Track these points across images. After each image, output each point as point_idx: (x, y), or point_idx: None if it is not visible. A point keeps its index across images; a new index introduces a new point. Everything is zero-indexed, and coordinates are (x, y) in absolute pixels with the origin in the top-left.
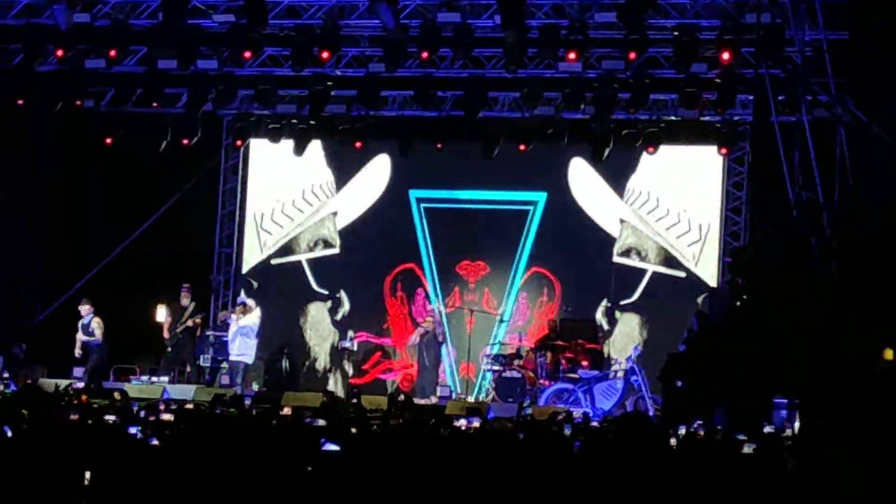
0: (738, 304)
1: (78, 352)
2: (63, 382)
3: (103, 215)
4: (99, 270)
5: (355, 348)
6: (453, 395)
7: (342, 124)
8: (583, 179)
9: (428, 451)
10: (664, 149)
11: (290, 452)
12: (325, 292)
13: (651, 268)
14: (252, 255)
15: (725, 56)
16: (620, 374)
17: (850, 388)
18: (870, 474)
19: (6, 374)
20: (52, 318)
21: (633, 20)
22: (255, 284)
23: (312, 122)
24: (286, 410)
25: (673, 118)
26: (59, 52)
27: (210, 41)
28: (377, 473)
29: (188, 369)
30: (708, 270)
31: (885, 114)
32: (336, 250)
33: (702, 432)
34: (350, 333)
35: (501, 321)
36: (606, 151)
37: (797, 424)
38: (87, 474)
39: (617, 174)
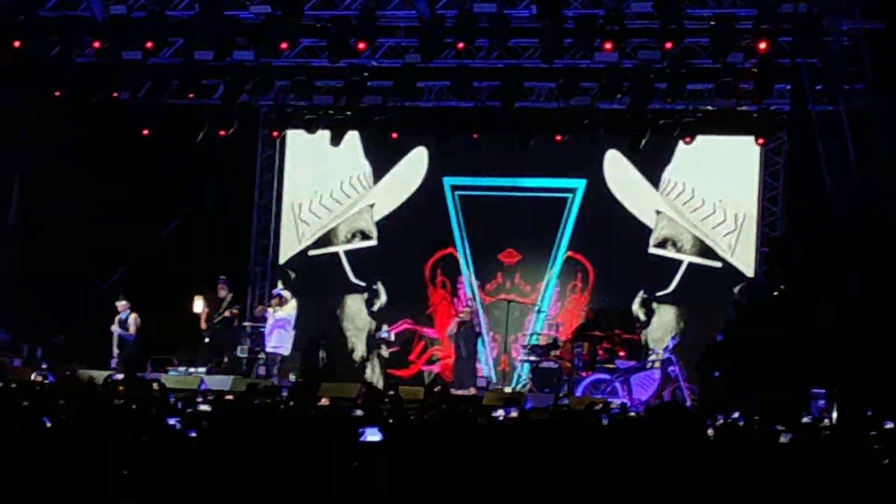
0: (776, 294)
1: (115, 350)
2: (101, 374)
3: (140, 207)
4: (136, 262)
5: (392, 338)
6: (490, 386)
7: (378, 115)
8: (618, 170)
9: (464, 441)
10: (700, 139)
11: (328, 443)
12: (363, 284)
13: (687, 259)
14: (289, 246)
15: (762, 45)
16: (658, 364)
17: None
18: None
19: (44, 365)
20: (90, 309)
21: (669, 10)
22: (293, 275)
23: (349, 113)
24: (324, 401)
25: (709, 108)
26: (96, 44)
27: (246, 32)
28: (414, 463)
29: (225, 360)
30: (744, 261)
31: None
32: (373, 242)
33: (740, 423)
34: (384, 327)
35: (539, 311)
36: (643, 142)
37: (835, 415)
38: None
39: (652, 165)
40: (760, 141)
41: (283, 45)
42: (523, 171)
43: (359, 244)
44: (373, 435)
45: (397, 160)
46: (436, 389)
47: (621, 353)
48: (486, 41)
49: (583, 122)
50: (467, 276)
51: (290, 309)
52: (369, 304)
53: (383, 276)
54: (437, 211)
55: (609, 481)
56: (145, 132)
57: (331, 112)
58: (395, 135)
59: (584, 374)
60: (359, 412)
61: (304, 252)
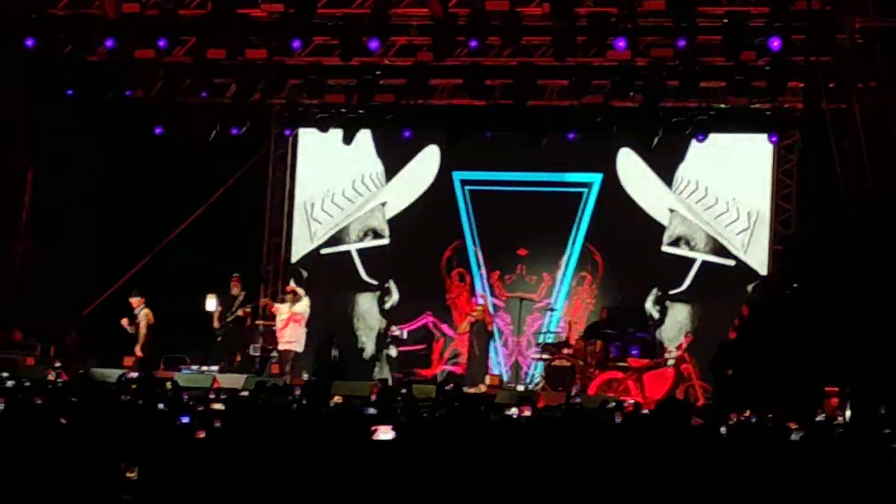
0: (789, 291)
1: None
2: (115, 372)
3: (152, 205)
4: (149, 260)
5: (405, 336)
6: (503, 384)
7: (390, 113)
8: (631, 169)
9: (476, 438)
10: (713, 137)
11: (341, 441)
12: (375, 282)
13: (700, 257)
14: (301, 245)
15: (775, 43)
16: (671, 362)
17: None
18: None
19: (57, 364)
20: (103, 308)
21: (682, 8)
22: (305, 273)
23: (361, 112)
24: (336, 399)
25: (722, 106)
26: (109, 43)
27: (259, 31)
28: (426, 461)
29: (238, 359)
30: (758, 259)
31: None
32: (385, 241)
33: (752, 420)
34: (394, 327)
35: (552, 310)
36: (655, 140)
37: (848, 413)
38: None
39: (665, 163)
40: (773, 139)
41: (296, 44)
42: (535, 166)
43: (371, 243)
44: (385, 433)
45: (409, 158)
46: (447, 388)
47: (634, 352)
48: (498, 39)
49: (595, 120)
50: (477, 272)
51: (303, 306)
52: (381, 302)
53: (395, 274)
54: (446, 206)
55: (622, 479)
56: (158, 131)
57: (343, 110)
58: (407, 133)
59: (596, 372)
60: (372, 410)
61: (316, 251)
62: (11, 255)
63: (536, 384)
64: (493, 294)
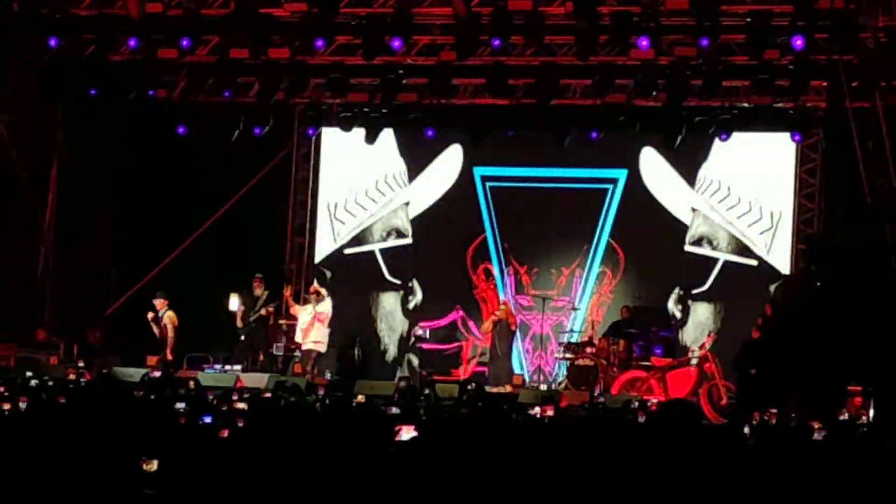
0: (812, 291)
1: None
2: (138, 371)
3: (175, 205)
4: (172, 260)
5: (427, 336)
6: (526, 384)
7: (413, 113)
8: (654, 168)
9: (500, 438)
10: (736, 136)
11: (364, 440)
12: (398, 282)
13: (723, 257)
14: (325, 245)
15: (798, 42)
16: (694, 361)
17: None
18: None
19: (81, 364)
20: (126, 307)
21: (705, 6)
22: (329, 274)
23: (384, 111)
24: (360, 398)
25: (745, 105)
26: (132, 42)
27: (281, 30)
28: (448, 460)
29: (261, 358)
30: (780, 258)
31: None
32: (409, 240)
33: (774, 420)
34: (417, 328)
35: (575, 309)
36: (678, 139)
37: (871, 412)
38: (155, 463)
39: (688, 163)
40: (797, 138)
41: (319, 43)
42: (556, 164)
43: (394, 242)
44: (408, 433)
45: (432, 158)
46: (469, 387)
47: (657, 351)
48: (521, 38)
49: (618, 120)
50: (498, 269)
51: (327, 305)
52: (405, 302)
53: (419, 274)
54: (468, 203)
55: (644, 478)
56: (181, 130)
57: (366, 110)
58: (430, 132)
59: (620, 371)
60: (395, 410)
61: (339, 250)
62: (35, 255)
63: (560, 383)
64: (517, 291)
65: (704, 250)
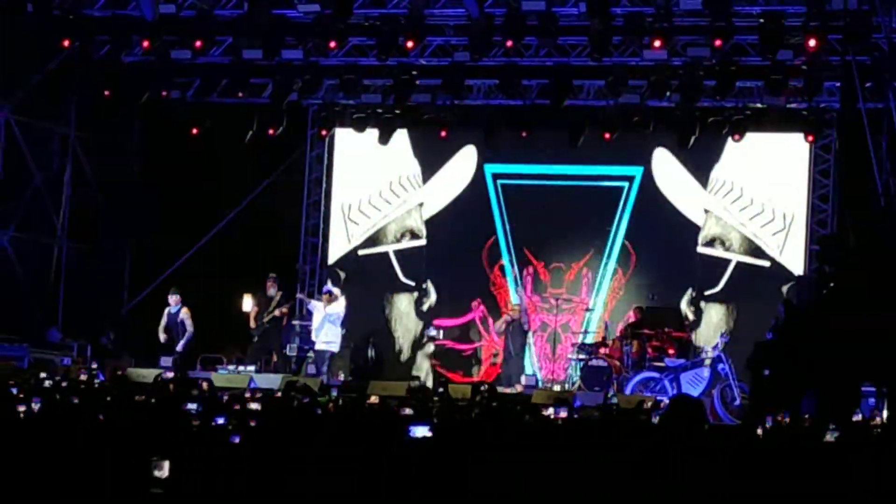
0: (826, 291)
1: (163, 336)
2: (151, 372)
3: (189, 205)
4: (186, 260)
5: (440, 336)
6: (539, 384)
7: (427, 113)
8: (667, 169)
9: (512, 438)
10: (749, 137)
11: (378, 440)
12: (412, 283)
13: (736, 258)
14: (338, 246)
15: (812, 43)
16: (707, 362)
17: None
18: None
19: (94, 364)
20: (139, 308)
21: (718, 7)
22: (343, 275)
23: (397, 112)
24: (373, 399)
25: (759, 106)
26: (145, 43)
27: (295, 31)
28: (461, 460)
29: (274, 359)
30: (793, 259)
31: None
32: (423, 241)
33: (787, 420)
34: (430, 329)
35: (589, 310)
36: (692, 139)
37: (885, 413)
38: (167, 464)
39: (701, 164)
40: (810, 138)
41: (332, 44)
42: (569, 162)
43: (408, 243)
44: (422, 431)
45: (446, 159)
46: (482, 388)
47: (671, 352)
48: (534, 39)
49: (632, 120)
50: (510, 268)
51: (340, 306)
52: (419, 303)
53: (433, 274)
54: (481, 201)
55: (656, 478)
56: (194, 131)
57: (379, 111)
58: (443, 133)
59: (633, 372)
60: (408, 410)
61: (353, 251)
62: (49, 256)
63: (573, 384)
64: (535, 290)
65: (717, 251)
